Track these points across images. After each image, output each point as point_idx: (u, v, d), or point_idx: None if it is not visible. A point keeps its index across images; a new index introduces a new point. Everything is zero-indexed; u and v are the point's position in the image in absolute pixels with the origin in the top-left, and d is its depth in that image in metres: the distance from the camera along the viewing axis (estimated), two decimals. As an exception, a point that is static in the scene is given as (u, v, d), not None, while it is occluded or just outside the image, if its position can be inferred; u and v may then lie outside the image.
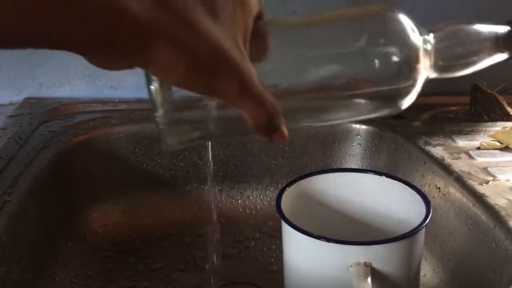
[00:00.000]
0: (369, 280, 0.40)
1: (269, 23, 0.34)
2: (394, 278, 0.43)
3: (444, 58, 0.37)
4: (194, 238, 0.67)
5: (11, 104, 0.77)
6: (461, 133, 0.66)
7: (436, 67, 0.37)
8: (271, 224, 0.69)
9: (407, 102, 0.37)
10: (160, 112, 0.32)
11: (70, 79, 0.78)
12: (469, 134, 0.66)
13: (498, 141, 0.63)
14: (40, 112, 0.72)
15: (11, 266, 0.49)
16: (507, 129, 0.64)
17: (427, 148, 0.62)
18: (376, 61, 0.35)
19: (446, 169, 0.57)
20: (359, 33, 0.36)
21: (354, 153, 0.72)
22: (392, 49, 0.36)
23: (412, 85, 0.36)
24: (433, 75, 0.38)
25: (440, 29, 0.37)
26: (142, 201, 0.70)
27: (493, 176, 0.55)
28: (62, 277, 0.57)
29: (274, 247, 0.65)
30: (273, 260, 0.63)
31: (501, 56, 0.39)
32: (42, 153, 0.62)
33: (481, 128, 0.68)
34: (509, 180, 0.54)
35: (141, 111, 0.74)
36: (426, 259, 0.57)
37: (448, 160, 0.59)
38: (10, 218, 0.51)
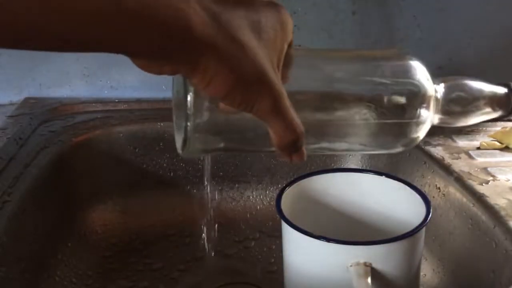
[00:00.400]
0: (369, 280, 0.40)
1: (295, 51, 0.36)
2: (394, 278, 0.43)
3: (449, 107, 0.41)
4: (194, 238, 0.67)
5: (11, 104, 0.77)
6: (461, 133, 0.66)
7: (441, 113, 0.41)
8: (271, 224, 0.69)
9: (411, 142, 0.41)
10: (191, 121, 0.33)
11: (70, 79, 0.78)
12: (469, 134, 0.66)
13: (498, 141, 0.63)
14: (40, 112, 0.72)
15: (11, 266, 0.49)
16: (507, 129, 0.64)
17: (427, 148, 0.62)
18: (393, 97, 0.38)
19: (446, 169, 0.57)
20: (380, 70, 0.39)
21: (354, 153, 0.72)
22: (410, 88, 0.39)
23: (420, 124, 0.40)
24: (436, 121, 0.42)
25: (448, 81, 0.42)
26: (142, 201, 0.70)
27: (493, 176, 0.55)
28: (62, 277, 0.57)
29: (274, 247, 0.65)
30: (273, 260, 0.63)
31: (496, 114, 0.44)
32: (42, 153, 0.62)
33: (481, 128, 0.68)
34: (509, 180, 0.54)
35: (141, 111, 0.74)
36: (426, 259, 0.57)
37: (448, 160, 0.59)
38: (10, 218, 0.50)
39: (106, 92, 0.79)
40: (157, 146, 0.70)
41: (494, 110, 0.45)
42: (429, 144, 0.63)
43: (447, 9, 0.79)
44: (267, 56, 0.31)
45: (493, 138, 0.64)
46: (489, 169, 0.57)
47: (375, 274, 0.41)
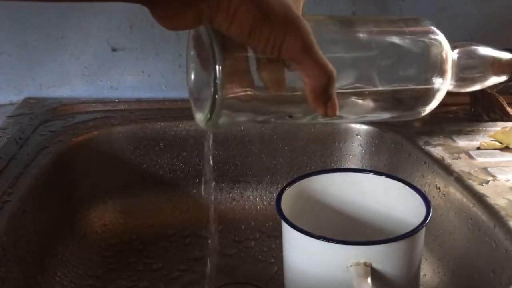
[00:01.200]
0: (369, 280, 0.40)
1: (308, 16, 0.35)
2: (394, 278, 0.43)
3: (462, 71, 0.42)
4: (194, 238, 0.67)
5: (11, 104, 0.77)
6: (461, 133, 0.66)
7: (456, 78, 0.42)
8: (271, 224, 0.69)
9: (430, 106, 0.41)
10: (219, 96, 0.32)
11: (70, 79, 0.78)
12: (469, 134, 0.66)
13: (498, 141, 0.63)
14: (40, 112, 0.72)
15: (11, 266, 0.49)
16: (507, 129, 0.64)
17: (427, 148, 0.62)
18: (414, 53, 0.39)
19: (446, 169, 0.57)
20: (399, 32, 0.39)
21: (354, 153, 0.72)
22: (430, 47, 0.39)
23: (439, 89, 0.40)
24: (451, 86, 0.42)
25: (460, 46, 0.43)
26: (142, 201, 0.70)
27: (493, 176, 0.55)
28: (62, 277, 0.57)
29: (274, 247, 0.65)
30: (273, 260, 0.63)
31: (502, 78, 0.46)
32: (42, 153, 0.62)
33: (481, 128, 0.68)
34: (509, 180, 0.54)
35: (141, 111, 0.74)
36: (426, 259, 0.57)
37: (448, 160, 0.59)
38: (10, 218, 0.50)
39: (106, 92, 0.79)
40: (157, 146, 0.70)
41: (500, 75, 0.46)
42: (429, 144, 0.63)
43: (447, 9, 0.79)
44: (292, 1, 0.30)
45: (493, 138, 0.64)
46: (489, 169, 0.57)
47: (375, 274, 0.41)
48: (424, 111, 0.41)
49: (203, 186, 0.70)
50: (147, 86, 0.79)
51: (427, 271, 0.57)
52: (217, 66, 0.31)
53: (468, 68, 0.43)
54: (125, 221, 0.68)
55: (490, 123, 0.69)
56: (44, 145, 0.64)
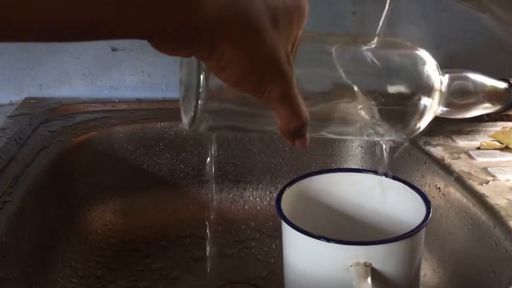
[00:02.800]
0: (369, 280, 0.40)
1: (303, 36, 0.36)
2: (394, 278, 0.43)
3: (452, 99, 0.43)
4: (194, 238, 0.67)
5: (11, 104, 0.77)
6: (461, 133, 0.66)
7: (444, 105, 0.42)
8: (271, 224, 0.69)
9: (412, 132, 0.42)
10: (202, 99, 0.33)
11: (70, 79, 0.78)
12: (469, 134, 0.66)
13: (498, 141, 0.63)
14: (40, 112, 0.72)
15: (11, 266, 0.49)
16: (507, 129, 0.64)
17: (427, 148, 0.62)
18: (398, 86, 0.39)
19: (446, 169, 0.57)
20: (387, 59, 0.40)
21: (354, 153, 0.72)
22: (416, 79, 0.40)
23: (423, 114, 0.40)
24: (439, 112, 0.43)
25: (451, 73, 0.43)
26: (142, 201, 0.70)
27: (493, 176, 0.55)
28: (62, 277, 0.57)
29: (274, 247, 0.65)
30: (273, 260, 0.63)
31: (495, 108, 0.47)
32: (42, 153, 0.62)
33: (481, 128, 0.68)
34: (509, 180, 0.54)
35: (141, 111, 0.74)
36: (426, 259, 0.57)
37: (448, 160, 0.59)
38: (10, 218, 0.50)
39: (106, 92, 0.79)
40: (157, 146, 0.70)
41: (493, 104, 0.46)
42: (429, 144, 0.63)
43: (447, 9, 0.79)
44: (283, 43, 0.31)
45: (493, 138, 0.64)
46: (489, 169, 0.57)
47: (375, 274, 0.41)
48: (413, 131, 0.42)
49: (203, 186, 0.70)
50: (147, 86, 0.79)
51: (427, 271, 0.57)
52: (201, 75, 0.33)
53: (459, 95, 0.44)
54: (125, 221, 0.68)
55: (490, 123, 0.69)
56: (44, 145, 0.64)
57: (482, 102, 0.45)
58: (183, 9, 0.27)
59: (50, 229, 0.59)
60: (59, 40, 0.26)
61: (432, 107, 0.41)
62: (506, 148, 0.61)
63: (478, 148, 0.62)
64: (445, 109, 0.43)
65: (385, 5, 0.43)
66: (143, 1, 0.26)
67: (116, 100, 0.78)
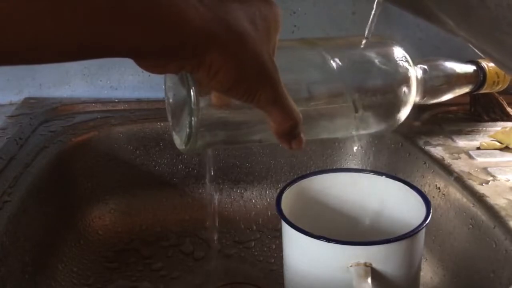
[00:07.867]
0: (369, 280, 0.40)
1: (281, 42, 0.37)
2: (394, 278, 0.43)
3: (427, 87, 0.46)
4: (194, 238, 0.67)
5: (11, 104, 0.77)
6: (461, 133, 0.66)
7: (421, 92, 0.45)
8: (271, 224, 0.69)
9: (395, 123, 0.44)
10: (195, 116, 0.34)
11: (70, 79, 0.78)
12: (469, 134, 0.66)
13: (498, 141, 0.63)
14: (40, 112, 0.72)
15: (11, 266, 0.49)
16: (507, 129, 0.64)
17: (427, 148, 0.62)
18: (377, 81, 0.42)
19: (446, 169, 0.57)
20: (364, 56, 0.42)
21: (354, 153, 0.72)
22: (393, 71, 0.42)
23: (403, 104, 0.43)
24: (417, 98, 0.45)
25: (424, 63, 0.47)
26: (142, 201, 0.70)
27: (493, 176, 0.55)
28: (62, 277, 0.57)
29: (274, 247, 0.65)
30: (273, 260, 0.63)
31: (467, 89, 0.52)
32: (42, 153, 0.62)
33: (481, 128, 0.68)
34: (509, 180, 0.54)
35: (141, 111, 0.74)
36: (426, 259, 0.57)
37: (448, 160, 0.59)
38: (10, 218, 0.51)
39: (106, 92, 0.79)
40: (157, 146, 0.70)
41: (464, 86, 0.51)
42: (429, 144, 0.63)
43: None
44: (264, 45, 0.31)
45: (493, 138, 0.64)
46: (489, 169, 0.57)
47: (375, 274, 0.41)
48: (395, 122, 0.44)
49: (203, 186, 0.70)
50: (147, 86, 0.79)
51: (427, 271, 0.57)
52: (191, 91, 0.33)
53: (434, 82, 0.47)
54: (125, 221, 0.68)
55: (490, 123, 0.69)
56: (44, 145, 0.64)
57: (454, 86, 0.50)
58: (171, 26, 0.27)
59: (50, 229, 0.59)
60: (44, 62, 0.27)
61: (410, 97, 0.43)
62: (506, 148, 0.61)
63: (478, 148, 0.62)
64: (421, 97, 0.46)
65: (380, 7, 0.45)
66: (132, 20, 0.26)
67: (116, 100, 0.78)
